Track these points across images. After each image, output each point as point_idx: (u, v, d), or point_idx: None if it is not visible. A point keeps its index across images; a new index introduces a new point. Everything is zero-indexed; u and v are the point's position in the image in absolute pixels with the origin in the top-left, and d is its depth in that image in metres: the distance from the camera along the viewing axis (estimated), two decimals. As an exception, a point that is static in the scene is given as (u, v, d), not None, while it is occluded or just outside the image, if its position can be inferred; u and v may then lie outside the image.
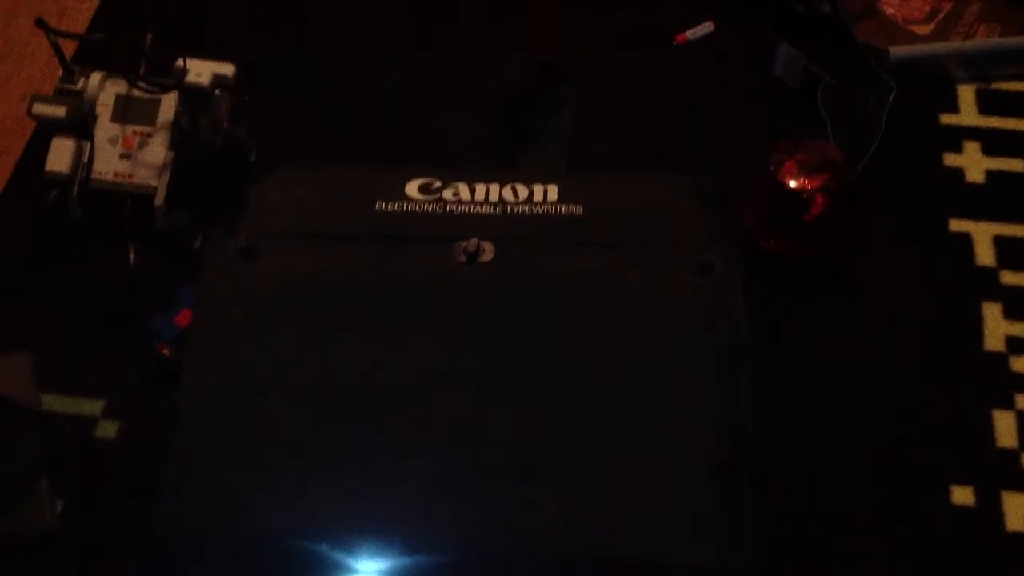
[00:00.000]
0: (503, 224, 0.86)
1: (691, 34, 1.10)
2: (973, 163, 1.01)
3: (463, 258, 0.84)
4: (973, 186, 1.00)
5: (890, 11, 1.09)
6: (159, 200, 0.95)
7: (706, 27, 1.10)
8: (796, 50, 1.04)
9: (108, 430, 0.87)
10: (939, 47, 1.06)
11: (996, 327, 0.92)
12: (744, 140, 1.01)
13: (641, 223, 0.87)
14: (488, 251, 0.85)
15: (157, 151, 0.95)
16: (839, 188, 0.91)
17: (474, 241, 0.85)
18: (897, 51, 1.04)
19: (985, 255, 0.96)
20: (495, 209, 0.87)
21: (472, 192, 0.88)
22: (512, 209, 0.87)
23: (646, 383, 0.79)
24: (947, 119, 1.04)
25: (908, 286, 0.94)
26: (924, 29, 1.08)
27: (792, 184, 0.91)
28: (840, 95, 1.03)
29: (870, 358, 0.90)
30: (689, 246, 0.85)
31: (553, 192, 0.88)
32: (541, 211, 0.87)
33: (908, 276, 0.95)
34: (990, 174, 1.01)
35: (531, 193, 0.88)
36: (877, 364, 0.90)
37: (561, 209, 0.87)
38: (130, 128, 0.96)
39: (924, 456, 0.85)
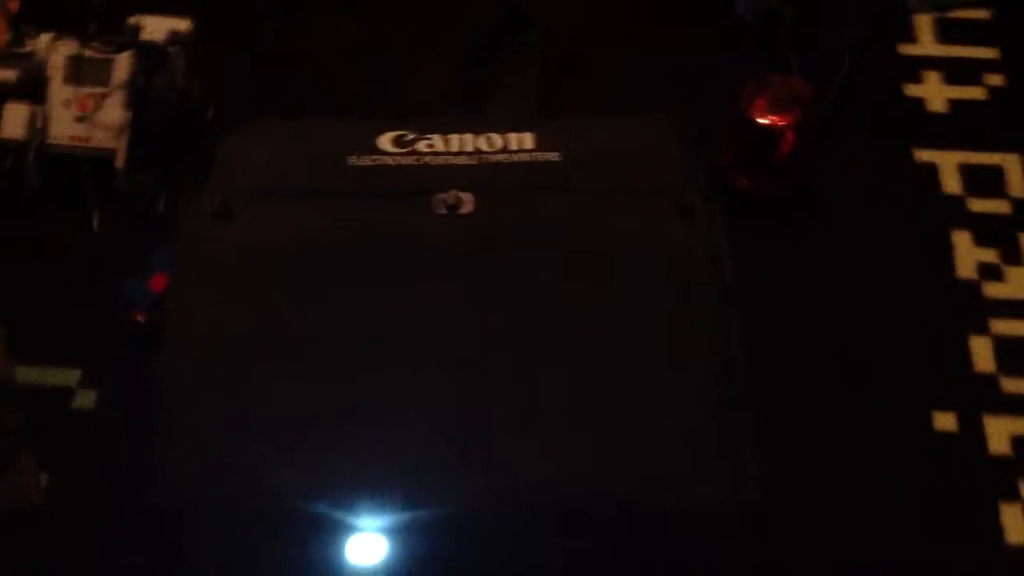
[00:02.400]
0: (481, 174, 0.85)
1: (650, -27, 1.09)
2: (934, 93, 1.02)
3: (443, 210, 0.83)
4: (935, 116, 1.01)
5: (846, -58, 1.09)
6: (119, 162, 0.92)
7: (664, -35, 1.10)
8: (756, -14, 1.04)
9: (87, 400, 0.85)
10: (896, -23, 1.07)
11: (967, 254, 0.93)
12: (710, 80, 1.01)
13: (619, 167, 0.86)
14: (468, 202, 0.83)
15: (114, 112, 0.93)
16: (809, 123, 0.92)
17: (453, 193, 0.83)
18: (854, -18, 1.05)
19: (951, 184, 0.97)
20: (471, 159, 0.86)
21: (447, 143, 0.87)
22: (489, 158, 0.86)
23: (637, 327, 0.78)
24: (905, 49, 1.05)
25: (876, 219, 0.96)
26: (881, -40, 1.08)
27: (762, 121, 0.91)
28: (801, 29, 1.03)
29: (843, 291, 0.91)
30: (668, 188, 0.85)
31: (529, 140, 0.87)
32: (518, 159, 0.86)
33: (876, 209, 0.96)
34: (952, 103, 1.02)
35: (506, 142, 0.87)
36: (851, 297, 0.91)
37: (538, 156, 0.86)
38: (84, 90, 0.93)
39: (904, 384, 0.87)
